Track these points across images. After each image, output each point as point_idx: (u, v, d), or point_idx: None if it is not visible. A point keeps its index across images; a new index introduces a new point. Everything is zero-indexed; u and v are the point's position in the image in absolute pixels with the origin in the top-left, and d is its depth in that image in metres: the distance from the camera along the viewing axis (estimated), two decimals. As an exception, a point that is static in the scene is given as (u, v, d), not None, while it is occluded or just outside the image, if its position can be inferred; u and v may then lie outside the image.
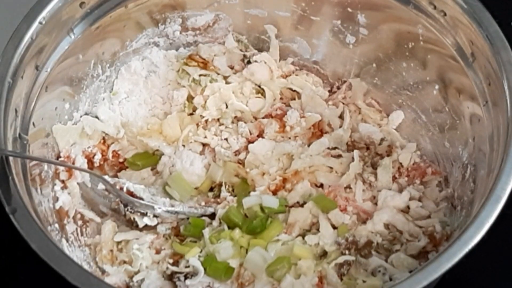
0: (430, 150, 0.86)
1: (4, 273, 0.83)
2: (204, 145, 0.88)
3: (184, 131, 0.88)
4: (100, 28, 0.82)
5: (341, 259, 0.75)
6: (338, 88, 0.92)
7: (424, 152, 0.86)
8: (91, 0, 0.79)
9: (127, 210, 0.80)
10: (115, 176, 0.87)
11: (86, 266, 0.77)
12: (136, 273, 0.77)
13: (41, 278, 0.71)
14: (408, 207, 0.81)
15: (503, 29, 0.73)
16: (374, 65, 0.89)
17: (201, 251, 0.78)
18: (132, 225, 0.82)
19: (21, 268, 0.82)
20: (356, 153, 0.85)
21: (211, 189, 0.86)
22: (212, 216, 0.82)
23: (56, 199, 0.79)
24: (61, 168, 0.81)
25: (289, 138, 0.88)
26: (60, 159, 0.81)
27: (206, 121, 0.89)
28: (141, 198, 0.81)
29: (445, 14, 0.78)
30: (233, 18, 0.91)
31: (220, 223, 0.80)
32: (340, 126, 0.89)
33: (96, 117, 0.86)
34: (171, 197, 0.84)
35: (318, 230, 0.79)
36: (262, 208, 0.80)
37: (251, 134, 0.88)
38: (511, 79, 0.69)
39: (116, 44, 0.87)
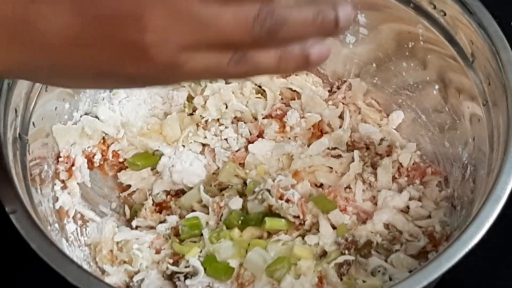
0: (430, 150, 0.86)
1: (4, 273, 0.83)
2: (204, 145, 0.88)
3: (184, 132, 0.88)
4: (100, 28, 0.82)
5: (340, 259, 0.75)
6: (338, 88, 0.92)
7: (424, 152, 0.86)
8: (92, 0, 0.79)
9: None
10: (115, 176, 0.87)
11: (86, 266, 0.77)
12: (136, 273, 0.77)
13: (41, 278, 0.71)
14: (408, 207, 0.81)
15: (503, 29, 0.73)
16: (374, 65, 0.89)
17: (201, 251, 0.77)
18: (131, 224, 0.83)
19: (20, 268, 0.82)
20: (356, 153, 0.84)
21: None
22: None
23: (56, 199, 0.79)
24: (61, 167, 0.81)
25: (289, 138, 0.88)
26: (60, 159, 0.81)
27: (206, 121, 0.89)
28: None
29: (445, 14, 0.78)
30: (233, 18, 0.91)
31: (218, 224, 0.80)
32: (340, 126, 0.89)
33: (96, 117, 0.86)
34: None
35: (318, 230, 0.79)
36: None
37: (251, 134, 0.88)
38: (511, 79, 0.70)
39: (116, 44, 0.87)
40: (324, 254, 0.77)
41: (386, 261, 0.76)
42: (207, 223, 0.80)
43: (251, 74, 0.52)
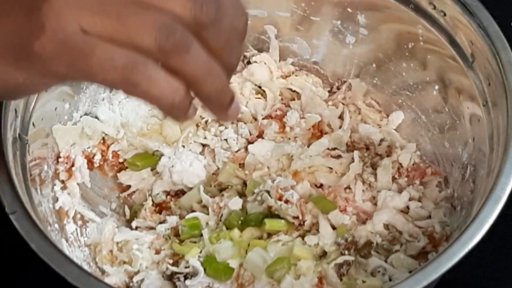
0: (430, 150, 0.86)
1: (4, 273, 0.83)
2: (203, 145, 0.88)
3: (184, 132, 0.88)
4: (100, 28, 0.81)
5: (340, 259, 0.75)
6: (338, 88, 0.92)
7: (424, 152, 0.86)
8: (91, 0, 0.79)
9: None
10: (115, 177, 0.87)
11: (86, 267, 0.77)
12: (136, 273, 0.77)
13: (41, 278, 0.71)
14: (407, 207, 0.81)
15: (503, 29, 0.73)
16: (374, 65, 0.89)
17: (200, 252, 0.77)
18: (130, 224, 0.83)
19: (20, 268, 0.82)
20: (356, 153, 0.84)
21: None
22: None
23: (56, 199, 0.79)
24: (61, 168, 0.81)
25: (289, 138, 0.88)
26: (60, 159, 0.81)
27: (206, 121, 0.89)
28: None
29: (444, 14, 0.78)
30: (233, 19, 0.91)
31: (218, 224, 0.80)
32: (340, 127, 0.89)
33: (96, 117, 0.86)
34: None
35: (318, 230, 0.79)
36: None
37: (251, 134, 0.88)
38: (511, 79, 0.70)
39: (116, 44, 0.86)
40: (324, 254, 0.77)
41: (386, 261, 0.76)
42: (207, 223, 0.80)
43: (139, 93, 0.47)
